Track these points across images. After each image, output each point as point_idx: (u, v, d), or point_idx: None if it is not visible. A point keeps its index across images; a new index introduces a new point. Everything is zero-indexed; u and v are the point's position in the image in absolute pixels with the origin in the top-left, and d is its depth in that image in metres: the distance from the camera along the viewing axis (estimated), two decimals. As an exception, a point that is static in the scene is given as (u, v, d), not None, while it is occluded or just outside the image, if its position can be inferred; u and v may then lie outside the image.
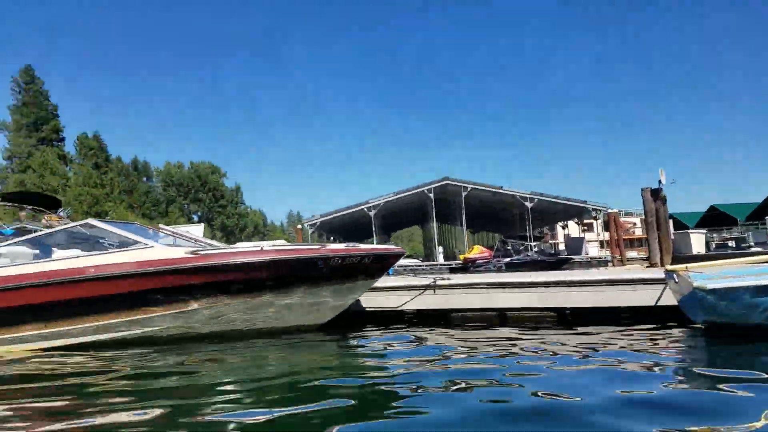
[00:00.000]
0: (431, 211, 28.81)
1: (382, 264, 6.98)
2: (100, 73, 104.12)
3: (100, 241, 7.39)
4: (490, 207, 33.46)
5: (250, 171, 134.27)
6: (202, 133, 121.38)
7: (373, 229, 29.18)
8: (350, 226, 34.53)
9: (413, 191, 28.42)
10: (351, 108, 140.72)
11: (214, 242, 8.06)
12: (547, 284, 7.32)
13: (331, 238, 36.10)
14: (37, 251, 6.91)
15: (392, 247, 7.49)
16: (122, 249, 6.28)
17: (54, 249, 6.91)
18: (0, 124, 60.37)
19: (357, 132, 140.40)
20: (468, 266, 24.23)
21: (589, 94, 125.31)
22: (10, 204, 16.42)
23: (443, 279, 7.90)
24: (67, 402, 3.98)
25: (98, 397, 3.98)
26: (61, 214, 18.20)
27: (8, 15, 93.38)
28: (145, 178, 67.40)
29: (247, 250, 6.45)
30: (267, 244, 11.08)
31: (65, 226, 7.10)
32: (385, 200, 28.60)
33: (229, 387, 4.27)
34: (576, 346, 5.32)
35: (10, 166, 59.34)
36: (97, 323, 6.21)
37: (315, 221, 30.92)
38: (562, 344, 5.47)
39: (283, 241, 13.25)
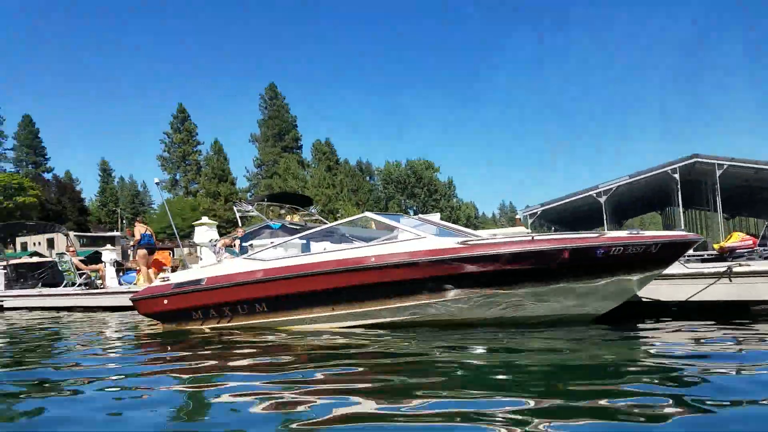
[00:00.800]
0: (675, 195, 25.53)
1: (671, 253, 6.16)
2: (328, 84, 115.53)
3: (347, 235, 7.87)
4: (751, 188, 28.48)
5: (462, 164, 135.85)
6: (418, 130, 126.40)
7: (604, 216, 27.03)
8: (576, 215, 32.56)
9: (653, 173, 25.49)
10: (569, 90, 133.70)
11: (469, 230, 8.03)
12: None
13: (553, 228, 34.52)
14: (304, 242, 7.61)
15: (684, 233, 6.57)
16: (398, 240, 6.53)
17: (311, 243, 7.54)
18: (251, 136, 70.80)
19: (575, 116, 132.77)
20: (725, 256, 20.93)
21: None
22: (275, 203, 18.83)
23: (740, 265, 6.73)
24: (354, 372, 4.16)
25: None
26: (313, 210, 20.30)
27: (255, 38, 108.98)
28: (368, 177, 72.93)
29: (519, 240, 6.22)
30: (510, 231, 10.85)
31: (348, 219, 7.71)
32: (618, 184, 26.22)
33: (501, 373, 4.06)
34: None
35: (260, 172, 69.16)
36: (377, 307, 6.54)
37: (535, 210, 29.81)
38: None
39: (522, 228, 12.82)
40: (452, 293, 6.30)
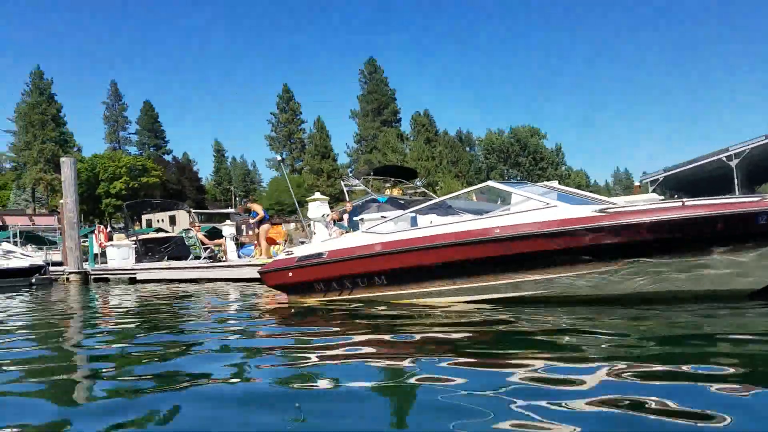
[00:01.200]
0: (824, 155, 22.62)
1: None
2: (427, 54, 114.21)
3: (453, 207, 7.51)
4: None
5: (572, 130, 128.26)
6: (525, 96, 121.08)
7: (735, 181, 24.43)
8: (701, 181, 29.78)
9: (796, 130, 22.60)
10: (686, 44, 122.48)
11: (603, 198, 7.41)
12: None
13: (675, 195, 31.92)
14: (413, 215, 7.38)
15: None
16: (523, 210, 6.11)
17: (417, 216, 7.29)
18: (351, 112, 71.83)
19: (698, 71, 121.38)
20: None
21: None
22: (380, 177, 18.86)
23: None
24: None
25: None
26: (418, 183, 20.09)
27: (350, 14, 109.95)
28: (468, 148, 71.52)
29: (666, 206, 5.58)
30: (643, 198, 9.96)
31: (469, 189, 7.40)
32: (753, 145, 23.50)
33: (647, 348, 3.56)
34: None
35: (360, 147, 70.17)
36: (500, 281, 6.20)
37: (656, 177, 27.63)
38: None
39: (654, 195, 11.82)
40: (589, 266, 5.81)
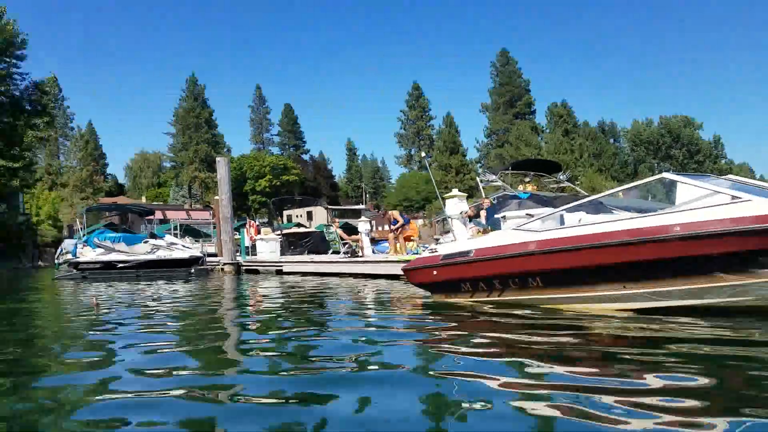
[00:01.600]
0: None
1: None
2: (563, 41, 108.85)
3: (603, 203, 6.72)
4: None
5: (732, 120, 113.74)
6: (674, 83, 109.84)
7: None
8: None
9: None
10: None
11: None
12: None
13: None
14: (561, 213, 6.73)
15: None
16: (706, 205, 5.27)
17: (564, 215, 6.63)
18: (482, 106, 70.47)
19: None
20: None
21: None
22: (519, 171, 18.09)
23: None
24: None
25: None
26: (561, 177, 19.00)
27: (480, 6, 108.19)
28: (612, 140, 66.86)
29: None
30: None
31: (641, 182, 6.65)
32: None
33: None
34: None
35: (490, 142, 68.59)
36: (679, 287, 5.42)
37: None
38: None
39: None
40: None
